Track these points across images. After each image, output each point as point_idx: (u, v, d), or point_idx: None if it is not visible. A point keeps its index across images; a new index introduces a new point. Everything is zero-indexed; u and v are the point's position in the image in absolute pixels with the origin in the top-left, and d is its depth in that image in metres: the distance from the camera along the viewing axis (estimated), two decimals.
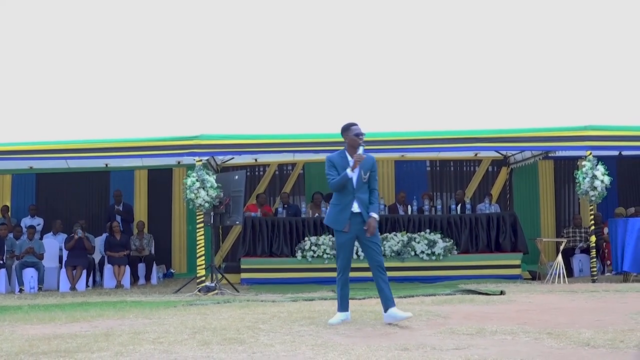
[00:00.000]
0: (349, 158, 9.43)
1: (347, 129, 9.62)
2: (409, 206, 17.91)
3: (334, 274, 16.28)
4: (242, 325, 9.43)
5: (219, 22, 20.15)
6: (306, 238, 16.93)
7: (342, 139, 15.65)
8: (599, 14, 20.41)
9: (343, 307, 9.60)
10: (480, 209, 18.14)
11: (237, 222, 16.13)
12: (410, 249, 16.81)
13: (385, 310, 9.28)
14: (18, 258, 17.00)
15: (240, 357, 7.33)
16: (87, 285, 17.31)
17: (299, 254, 16.83)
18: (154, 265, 18.34)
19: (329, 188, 9.55)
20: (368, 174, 9.39)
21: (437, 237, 16.93)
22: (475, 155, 19.88)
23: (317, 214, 17.69)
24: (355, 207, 9.35)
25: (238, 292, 14.92)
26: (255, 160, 19.53)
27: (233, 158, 18.85)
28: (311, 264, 16.75)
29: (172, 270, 19.83)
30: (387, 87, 17.39)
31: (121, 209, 19.26)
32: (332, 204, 9.53)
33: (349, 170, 9.29)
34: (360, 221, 9.35)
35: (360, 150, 9.32)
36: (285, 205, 18.43)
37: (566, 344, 7.76)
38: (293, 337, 8.42)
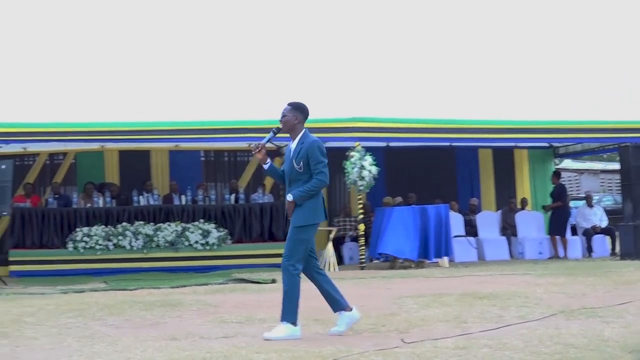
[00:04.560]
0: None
1: None
2: (183, 196, 17.89)
3: (106, 265, 16.29)
4: (6, 319, 9.17)
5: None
6: (78, 229, 16.60)
7: (118, 128, 15.61)
8: (364, 7, 21.07)
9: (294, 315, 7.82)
10: (254, 198, 18.32)
11: (5, 213, 15.63)
12: (184, 239, 16.80)
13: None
14: None
15: (3, 350, 7.14)
16: None
17: (70, 245, 16.49)
18: None
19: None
20: (301, 162, 7.88)
21: (211, 226, 17.00)
22: (249, 145, 20.01)
23: (89, 204, 17.38)
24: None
25: (6, 285, 14.45)
26: (25, 149, 18.91)
27: (1, 147, 18.18)
28: (83, 255, 16.44)
29: None
30: (150, 75, 17.28)
31: None
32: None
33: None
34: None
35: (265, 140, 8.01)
36: (56, 196, 17.99)
37: None
38: (59, 330, 8.28)
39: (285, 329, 7.60)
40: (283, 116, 8.01)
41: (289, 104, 8.07)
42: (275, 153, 19.75)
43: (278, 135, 8.14)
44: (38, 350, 7.12)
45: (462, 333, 7.57)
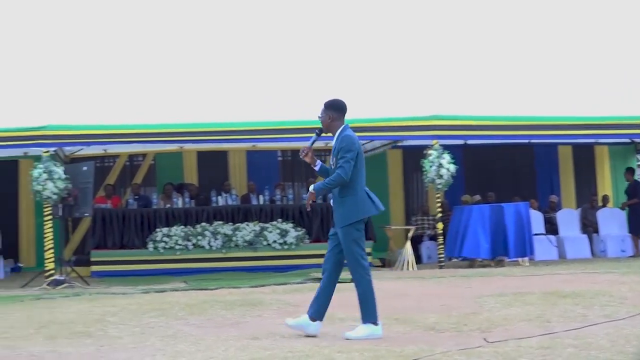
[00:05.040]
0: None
1: None
2: (261, 196, 17.98)
3: (187, 265, 16.45)
4: (90, 318, 9.30)
5: (62, 10, 19.68)
6: (158, 229, 16.79)
7: (196, 129, 15.78)
8: (443, 5, 20.91)
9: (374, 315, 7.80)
10: (331, 197, 18.28)
11: (86, 214, 15.89)
12: (262, 239, 16.88)
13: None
14: None
15: (88, 350, 7.23)
16: None
17: (150, 246, 16.69)
18: (1, 259, 17.82)
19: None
20: (334, 159, 7.87)
21: (289, 226, 17.06)
22: (326, 144, 20.03)
23: (168, 205, 17.56)
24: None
25: (88, 285, 14.68)
26: (105, 150, 19.18)
27: (82, 149, 18.46)
28: (163, 255, 16.64)
29: (20, 265, 19.28)
30: (227, 76, 17.37)
31: None
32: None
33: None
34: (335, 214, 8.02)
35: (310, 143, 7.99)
36: (136, 196, 18.22)
37: (412, 329, 7.98)
38: (142, 329, 8.36)
39: (366, 328, 7.59)
40: (319, 118, 8.05)
41: (324, 104, 8.06)
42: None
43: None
44: (122, 350, 7.21)
45: (546, 332, 7.46)
